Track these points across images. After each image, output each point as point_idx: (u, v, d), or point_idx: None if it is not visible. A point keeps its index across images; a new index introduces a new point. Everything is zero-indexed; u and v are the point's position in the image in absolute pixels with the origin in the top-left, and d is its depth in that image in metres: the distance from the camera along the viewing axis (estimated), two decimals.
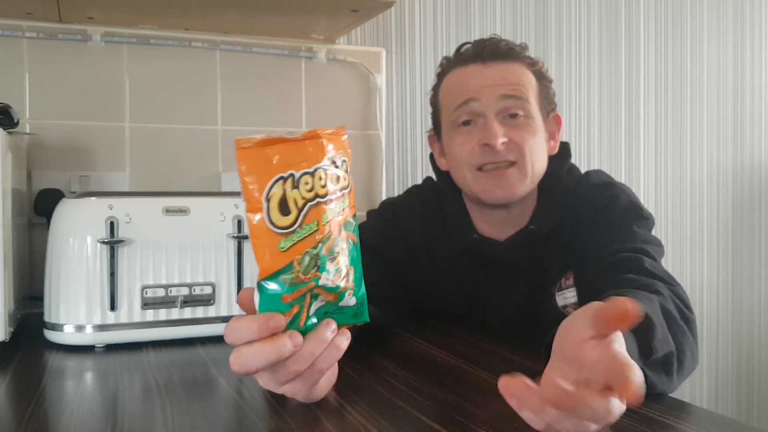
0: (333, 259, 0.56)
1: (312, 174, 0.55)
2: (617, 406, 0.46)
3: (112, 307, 0.92)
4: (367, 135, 1.51)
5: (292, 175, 0.54)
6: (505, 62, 0.97)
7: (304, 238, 0.54)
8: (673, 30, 1.87)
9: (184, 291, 0.95)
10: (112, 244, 0.91)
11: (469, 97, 0.96)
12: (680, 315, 0.73)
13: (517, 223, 1.01)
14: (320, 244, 0.55)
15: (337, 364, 0.60)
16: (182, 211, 0.96)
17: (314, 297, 0.56)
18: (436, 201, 1.09)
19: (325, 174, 0.56)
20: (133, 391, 0.70)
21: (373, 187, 1.51)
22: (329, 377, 0.61)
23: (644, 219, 0.94)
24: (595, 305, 0.48)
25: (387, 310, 0.85)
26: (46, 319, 0.93)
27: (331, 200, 0.56)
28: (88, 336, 0.91)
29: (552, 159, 1.02)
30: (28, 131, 1.25)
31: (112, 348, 0.91)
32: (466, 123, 0.97)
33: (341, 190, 0.57)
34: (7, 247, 0.88)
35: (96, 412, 0.64)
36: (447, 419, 0.59)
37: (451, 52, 1.03)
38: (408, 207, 1.10)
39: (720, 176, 1.94)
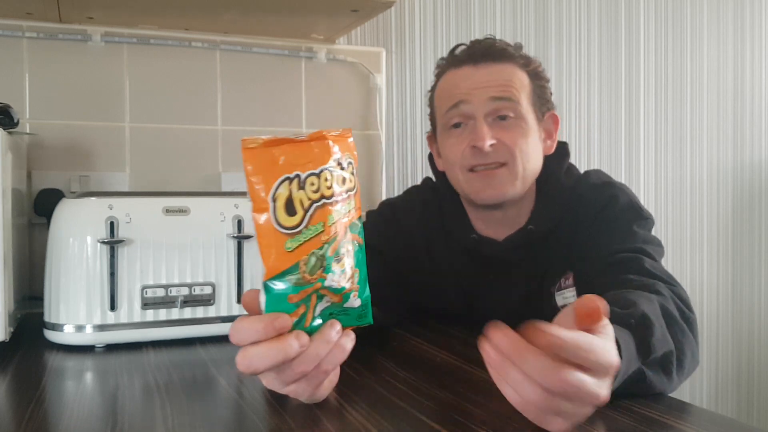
0: (339, 261, 0.56)
1: (318, 175, 0.55)
2: (588, 384, 0.48)
3: (112, 307, 0.92)
4: (367, 135, 1.51)
5: (298, 176, 0.54)
6: (496, 63, 0.97)
7: (311, 238, 0.54)
8: (673, 30, 1.87)
9: (184, 291, 0.95)
10: (112, 244, 0.91)
11: (459, 100, 0.96)
12: (681, 315, 0.73)
13: (515, 224, 1.01)
14: (326, 245, 0.55)
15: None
16: (182, 211, 0.96)
17: (320, 298, 0.56)
18: (436, 201, 1.09)
19: (331, 175, 0.56)
20: (133, 391, 0.70)
21: (373, 187, 1.51)
22: (332, 378, 0.61)
23: (644, 219, 0.94)
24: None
25: (387, 310, 0.85)
26: (46, 319, 0.93)
27: (336, 201, 0.56)
28: (88, 336, 0.91)
29: (550, 159, 1.02)
30: (28, 131, 1.25)
31: (112, 348, 0.91)
32: (457, 125, 0.98)
33: (347, 191, 0.57)
34: (7, 247, 0.88)
35: (96, 412, 0.64)
36: (447, 419, 0.59)
37: None
38: (407, 207, 1.11)
39: (720, 176, 1.94)
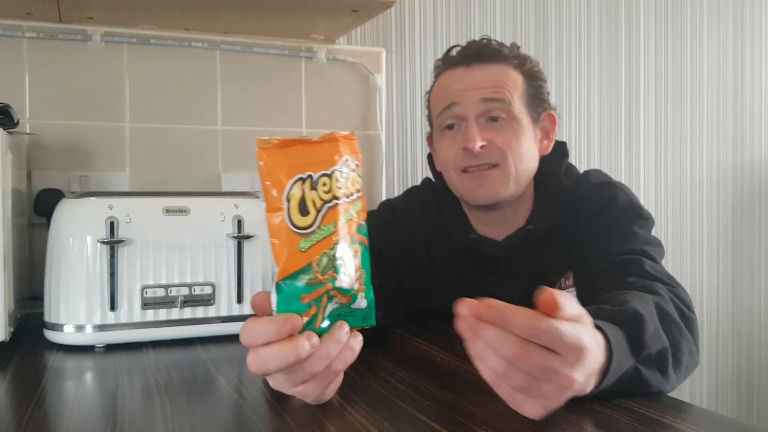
0: (348, 261, 0.56)
1: (329, 176, 0.56)
2: (554, 363, 0.50)
3: (112, 307, 0.92)
4: (367, 135, 1.51)
5: (310, 176, 0.55)
6: (489, 64, 0.97)
7: (323, 239, 0.55)
8: (673, 30, 1.87)
9: (184, 291, 0.95)
10: (112, 244, 0.91)
11: (451, 102, 0.97)
12: (680, 315, 0.73)
13: (514, 224, 1.01)
14: (337, 246, 0.55)
15: None
16: (182, 211, 0.97)
17: (330, 298, 0.57)
18: (435, 201, 1.09)
19: (342, 176, 0.56)
20: (133, 391, 0.70)
21: (373, 187, 1.51)
22: (338, 379, 0.61)
23: (644, 219, 0.94)
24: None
25: (388, 310, 0.85)
26: (46, 319, 0.93)
27: (346, 202, 0.56)
28: (88, 336, 0.91)
29: (549, 159, 1.02)
30: (28, 131, 1.25)
31: (112, 348, 0.91)
32: (451, 127, 0.98)
33: (355, 193, 0.58)
34: (7, 247, 0.88)
35: (96, 412, 0.64)
36: (447, 419, 0.59)
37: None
38: (407, 208, 1.11)
39: (720, 176, 1.94)
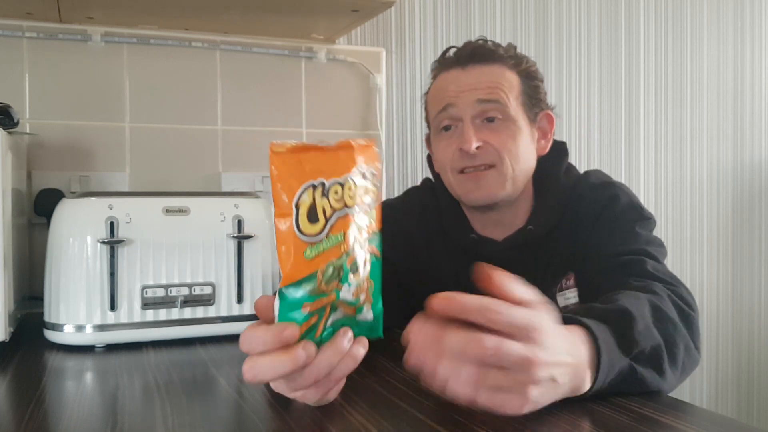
0: (355, 272, 0.55)
1: (342, 184, 0.54)
2: (511, 346, 0.51)
3: (112, 307, 0.92)
4: (367, 135, 1.51)
5: (322, 183, 0.53)
6: (484, 65, 0.97)
7: (331, 248, 0.54)
8: (673, 30, 1.87)
9: (184, 291, 0.95)
10: (112, 244, 0.91)
11: (447, 103, 0.97)
12: (679, 312, 0.73)
13: (513, 224, 1.01)
14: (345, 256, 0.54)
15: None
16: (182, 211, 0.97)
17: (333, 309, 0.55)
18: (435, 202, 1.09)
19: (355, 185, 0.55)
20: (133, 391, 0.70)
21: None
22: (340, 383, 0.61)
23: (646, 219, 0.94)
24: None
25: (387, 311, 0.85)
26: (46, 319, 0.93)
27: (358, 212, 0.55)
28: (88, 336, 0.91)
29: (549, 159, 1.02)
30: (28, 131, 1.25)
31: (112, 348, 0.91)
32: (447, 128, 0.98)
33: (369, 202, 0.56)
34: (7, 247, 0.88)
35: (96, 412, 0.64)
36: (447, 419, 0.59)
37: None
38: (407, 209, 1.11)
39: (720, 176, 1.94)
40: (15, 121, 1.03)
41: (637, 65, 1.82)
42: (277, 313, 0.54)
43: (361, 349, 0.57)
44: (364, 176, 0.56)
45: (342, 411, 0.61)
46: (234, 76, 1.40)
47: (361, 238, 0.56)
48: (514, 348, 0.51)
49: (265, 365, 0.53)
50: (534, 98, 0.99)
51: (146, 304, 0.93)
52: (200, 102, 1.38)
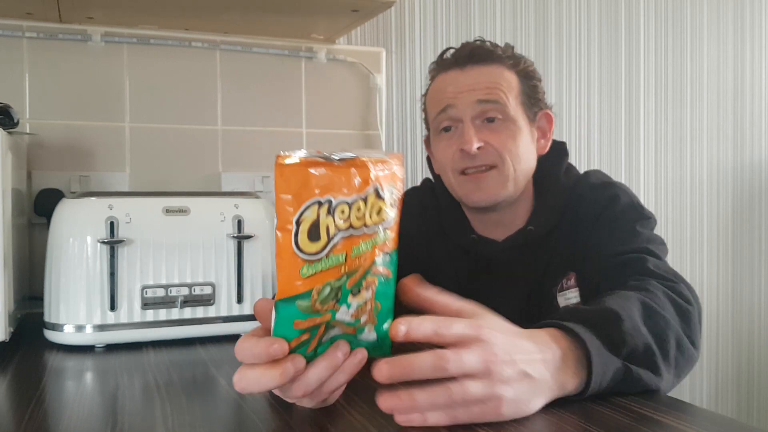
0: (357, 294, 0.53)
1: (350, 204, 0.51)
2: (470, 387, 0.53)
3: (112, 307, 0.92)
4: (367, 135, 1.51)
5: (329, 201, 0.51)
6: (482, 65, 0.97)
7: (329, 268, 0.51)
8: (673, 30, 1.87)
9: (184, 291, 0.95)
10: (112, 244, 0.91)
11: (446, 104, 0.96)
12: (676, 308, 0.73)
13: (513, 225, 1.01)
14: (345, 277, 0.52)
15: None
16: (182, 211, 0.96)
17: (330, 327, 0.54)
18: (434, 203, 1.09)
19: (365, 205, 0.52)
20: (133, 391, 0.70)
21: None
22: (338, 390, 0.61)
23: (646, 218, 0.94)
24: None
25: None
26: (46, 319, 0.93)
27: (366, 233, 0.53)
28: (88, 336, 0.91)
29: (548, 159, 1.02)
30: (28, 131, 1.25)
31: (112, 348, 0.91)
32: (447, 129, 0.98)
33: (381, 223, 0.54)
34: (7, 247, 0.88)
35: (96, 412, 0.64)
36: None
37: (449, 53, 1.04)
38: (406, 209, 1.10)
39: (720, 176, 1.94)
40: (15, 121, 1.03)
41: (637, 65, 1.82)
42: (273, 323, 0.53)
43: (355, 365, 0.56)
44: (379, 196, 0.53)
45: (342, 411, 0.61)
46: (234, 76, 1.40)
47: (368, 259, 0.53)
48: (471, 354, 0.53)
49: (253, 378, 0.54)
50: (533, 98, 0.99)
51: (146, 304, 0.93)
52: (200, 102, 1.38)
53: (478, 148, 0.94)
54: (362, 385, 0.71)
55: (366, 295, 0.54)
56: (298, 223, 0.51)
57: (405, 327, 0.53)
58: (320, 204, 0.51)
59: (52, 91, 1.28)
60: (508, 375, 0.54)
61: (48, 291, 0.93)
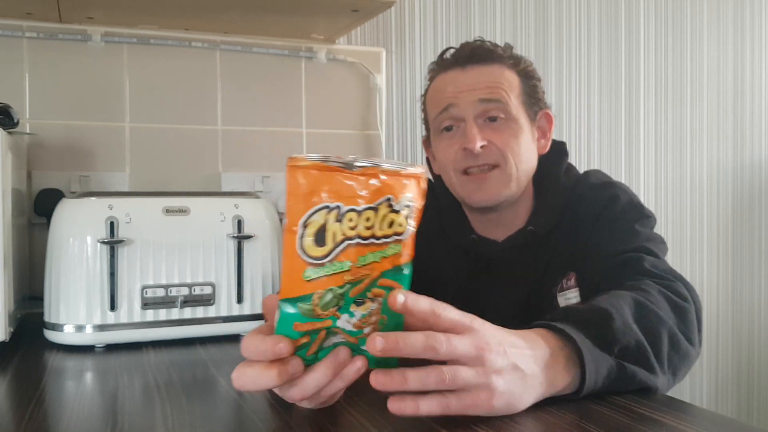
0: (361, 304, 0.53)
1: (359, 213, 0.51)
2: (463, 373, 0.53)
3: (112, 307, 0.92)
4: (367, 135, 1.51)
5: (338, 207, 0.50)
6: (483, 65, 0.97)
7: (332, 274, 0.51)
8: (673, 30, 1.87)
9: (184, 291, 0.95)
10: (112, 244, 0.91)
11: (448, 103, 0.96)
12: (672, 306, 0.73)
13: (513, 225, 1.01)
14: (348, 285, 0.52)
15: None
16: (182, 211, 0.97)
17: (331, 334, 0.54)
18: (434, 203, 1.09)
19: (375, 216, 0.51)
20: (133, 391, 0.70)
21: None
22: (337, 393, 0.60)
23: (646, 218, 0.94)
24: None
25: None
26: (46, 319, 0.93)
27: (375, 244, 0.52)
28: (88, 336, 0.91)
29: (548, 159, 1.02)
30: (28, 131, 1.25)
31: (112, 348, 0.91)
32: (449, 128, 0.98)
33: (392, 236, 0.53)
34: (7, 247, 0.88)
35: (96, 412, 0.64)
36: (447, 419, 0.59)
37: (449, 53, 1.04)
38: None
39: (720, 176, 1.94)
40: (15, 121, 1.03)
41: (637, 65, 1.82)
42: (276, 322, 0.54)
43: (354, 372, 0.56)
44: (391, 208, 0.52)
45: (342, 411, 0.61)
46: (234, 76, 1.40)
47: (374, 270, 0.53)
48: (463, 339, 0.54)
49: (251, 377, 0.54)
50: (533, 97, 1.00)
51: (146, 304, 0.93)
52: (200, 102, 1.38)
53: (481, 147, 0.94)
54: (362, 386, 0.71)
55: (371, 306, 0.53)
56: (304, 226, 0.50)
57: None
58: (329, 209, 0.50)
59: (52, 91, 1.28)
60: (499, 365, 0.55)
61: (48, 291, 0.93)
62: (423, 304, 0.54)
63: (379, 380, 0.53)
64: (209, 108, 1.39)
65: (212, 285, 0.97)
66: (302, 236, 0.50)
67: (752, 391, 2.01)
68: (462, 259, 1.05)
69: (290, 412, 0.61)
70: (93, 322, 0.91)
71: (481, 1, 1.63)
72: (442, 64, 1.01)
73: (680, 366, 0.70)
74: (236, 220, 0.98)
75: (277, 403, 0.63)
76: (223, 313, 0.97)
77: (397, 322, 0.56)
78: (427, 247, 1.07)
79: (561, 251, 0.98)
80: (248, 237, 0.98)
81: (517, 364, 0.56)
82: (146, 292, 0.93)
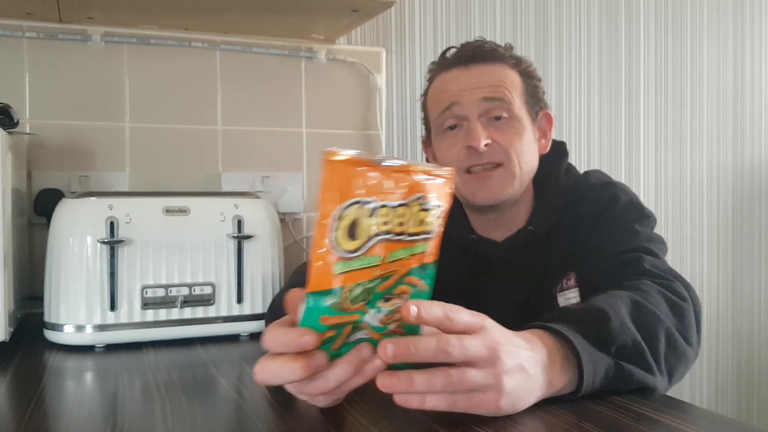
0: (388, 300, 0.53)
1: (393, 209, 0.51)
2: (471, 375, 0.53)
3: (112, 307, 0.92)
4: (367, 135, 1.51)
5: (372, 202, 0.50)
6: (486, 64, 0.97)
7: (362, 269, 0.51)
8: (673, 30, 1.87)
9: (184, 291, 0.95)
10: (112, 244, 0.92)
11: (451, 102, 0.96)
12: (670, 306, 0.73)
13: (513, 225, 1.01)
14: (378, 280, 0.52)
15: None
16: (182, 211, 0.97)
17: (357, 329, 0.54)
18: None
19: (408, 213, 0.52)
20: (133, 391, 0.70)
21: None
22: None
23: (646, 217, 0.94)
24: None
25: None
26: (46, 319, 0.93)
27: (405, 241, 0.52)
28: (88, 336, 0.91)
29: (548, 159, 1.02)
30: (28, 131, 1.25)
31: (112, 348, 0.91)
32: (452, 127, 0.98)
33: (421, 234, 0.53)
34: (7, 247, 0.88)
35: (96, 412, 0.64)
36: (447, 419, 0.59)
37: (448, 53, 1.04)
38: None
39: (720, 176, 1.94)
40: (15, 121, 1.03)
41: (637, 65, 1.82)
42: (300, 315, 0.53)
43: (374, 369, 0.55)
44: (422, 207, 0.53)
45: (342, 411, 0.61)
46: (234, 76, 1.40)
47: (403, 267, 0.53)
48: (475, 340, 0.54)
49: (275, 370, 0.53)
50: (534, 97, 1.00)
51: (146, 304, 0.93)
52: (200, 102, 1.38)
53: (485, 146, 0.94)
54: (363, 386, 0.71)
55: (397, 303, 0.54)
56: (337, 219, 0.50)
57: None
58: (363, 204, 0.50)
59: (52, 91, 1.28)
60: (509, 366, 0.55)
61: (48, 291, 0.93)
62: (436, 311, 0.54)
63: (385, 383, 0.53)
64: (209, 108, 1.39)
65: (212, 285, 0.97)
66: (335, 229, 0.50)
67: (752, 391, 2.01)
68: (462, 259, 1.05)
69: (290, 412, 0.61)
70: (93, 322, 0.91)
71: (481, 1, 1.63)
72: (443, 64, 1.01)
73: (677, 366, 0.70)
74: (236, 220, 0.98)
75: (277, 403, 0.63)
76: (223, 313, 0.97)
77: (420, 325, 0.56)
78: None
79: (561, 251, 0.98)
80: (248, 237, 0.99)
81: (523, 365, 0.56)
82: (146, 292, 0.93)
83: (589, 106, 1.77)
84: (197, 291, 0.96)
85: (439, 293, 1.11)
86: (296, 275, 0.99)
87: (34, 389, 0.71)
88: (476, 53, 0.98)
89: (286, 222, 1.40)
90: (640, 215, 0.94)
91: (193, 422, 0.60)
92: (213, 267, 0.97)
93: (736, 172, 1.96)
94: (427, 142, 1.08)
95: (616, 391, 0.63)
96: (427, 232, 0.54)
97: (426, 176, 0.53)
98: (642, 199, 1.01)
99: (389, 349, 0.52)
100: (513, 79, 0.97)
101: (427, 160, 1.10)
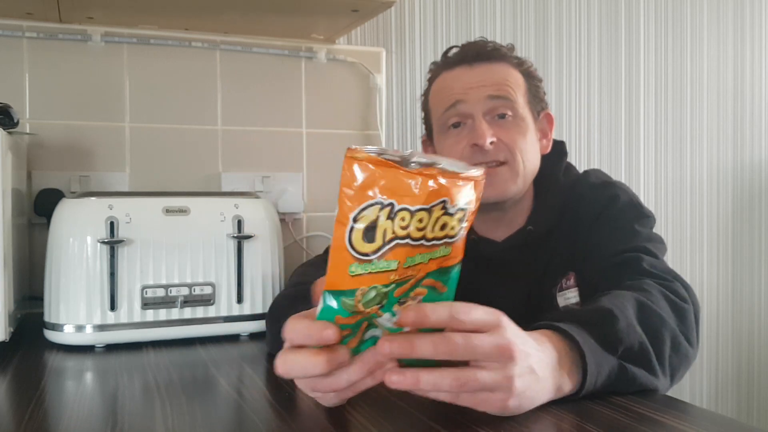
0: (403, 303, 0.53)
1: (412, 213, 0.49)
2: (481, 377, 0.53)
3: (112, 307, 0.92)
4: (367, 135, 1.51)
5: (392, 204, 0.49)
6: (490, 63, 0.97)
7: (379, 272, 0.50)
8: (673, 30, 1.87)
9: (184, 291, 0.95)
10: (112, 244, 0.92)
11: (456, 100, 0.96)
12: (672, 307, 0.73)
13: (513, 224, 1.01)
14: (393, 285, 0.51)
15: None
16: (182, 211, 0.97)
17: (372, 325, 0.54)
18: None
19: (428, 217, 0.50)
20: (133, 391, 0.70)
21: None
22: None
23: (646, 217, 0.94)
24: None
25: None
26: (46, 319, 0.93)
27: (424, 246, 0.51)
28: (88, 336, 0.91)
29: (548, 158, 1.02)
30: (28, 131, 1.25)
31: (112, 348, 0.91)
32: (456, 125, 0.98)
33: (443, 238, 0.52)
34: (7, 247, 0.88)
35: (96, 412, 0.64)
36: (447, 419, 0.59)
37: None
38: None
39: (720, 176, 1.94)
40: (15, 121, 1.03)
41: (637, 65, 1.82)
42: (318, 311, 0.53)
43: (383, 373, 0.55)
44: (445, 210, 0.51)
45: (342, 411, 0.61)
46: (234, 76, 1.40)
47: (421, 271, 0.52)
48: (486, 340, 0.53)
49: (296, 362, 0.53)
50: (536, 97, 1.00)
51: (146, 304, 0.93)
52: (200, 102, 1.38)
53: (491, 143, 0.94)
54: None
55: (411, 305, 0.53)
56: (355, 220, 0.49)
57: (388, 344, 0.52)
58: (382, 206, 0.49)
59: (52, 91, 1.28)
60: (521, 366, 0.54)
61: (48, 291, 0.93)
62: (441, 312, 0.52)
63: (393, 379, 0.52)
64: (209, 108, 1.39)
65: (212, 285, 0.97)
66: (351, 230, 0.49)
67: (752, 391, 2.01)
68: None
69: (290, 412, 0.61)
70: (93, 322, 0.91)
71: (481, 1, 1.63)
72: (446, 62, 1.01)
73: (680, 367, 0.71)
74: (236, 220, 0.98)
75: (277, 403, 0.63)
76: (223, 313, 0.97)
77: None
78: None
79: (560, 251, 0.98)
80: (248, 237, 0.99)
81: (533, 367, 0.56)
82: (146, 292, 0.93)
83: (589, 106, 1.77)
84: (197, 291, 0.96)
85: None
86: (296, 275, 0.99)
87: (34, 389, 0.71)
88: (480, 52, 0.98)
89: (286, 222, 1.40)
90: (640, 215, 0.94)
91: (193, 422, 0.60)
92: (213, 267, 0.97)
93: (736, 172, 1.96)
94: (427, 141, 1.08)
95: (616, 392, 0.63)
96: (450, 237, 0.52)
97: (453, 179, 0.51)
98: (642, 199, 1.01)
99: (386, 347, 0.51)
100: (516, 79, 0.97)
101: None
